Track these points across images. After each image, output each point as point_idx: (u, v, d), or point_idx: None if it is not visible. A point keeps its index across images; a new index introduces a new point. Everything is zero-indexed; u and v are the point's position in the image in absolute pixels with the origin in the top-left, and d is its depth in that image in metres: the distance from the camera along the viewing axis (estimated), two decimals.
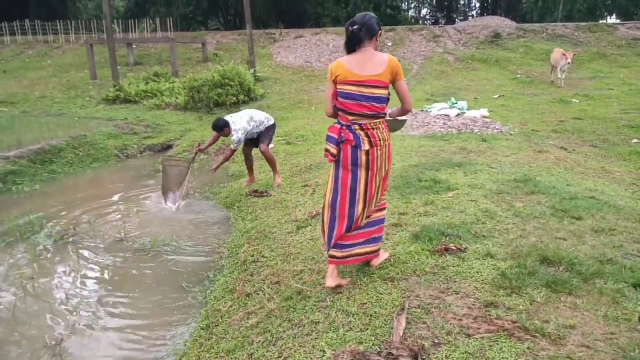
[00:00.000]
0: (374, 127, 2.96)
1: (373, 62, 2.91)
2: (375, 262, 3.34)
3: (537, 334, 2.44)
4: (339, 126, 3.01)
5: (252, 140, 6.75)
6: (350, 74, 2.92)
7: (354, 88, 2.91)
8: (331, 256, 3.13)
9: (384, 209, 3.23)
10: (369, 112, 2.93)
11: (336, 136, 2.98)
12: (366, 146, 2.94)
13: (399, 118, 3.27)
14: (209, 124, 12.17)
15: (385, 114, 3.03)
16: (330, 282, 3.15)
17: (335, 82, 3.00)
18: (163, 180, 6.79)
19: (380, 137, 2.98)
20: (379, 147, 2.98)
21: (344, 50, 3.05)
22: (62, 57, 22.53)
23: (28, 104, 15.37)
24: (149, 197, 7.24)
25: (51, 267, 4.93)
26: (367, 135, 2.95)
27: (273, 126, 6.81)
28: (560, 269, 3.13)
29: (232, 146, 6.32)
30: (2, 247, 5.35)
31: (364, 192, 3.03)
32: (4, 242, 5.45)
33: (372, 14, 3.00)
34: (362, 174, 3.00)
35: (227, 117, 6.40)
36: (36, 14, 29.48)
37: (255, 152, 7.02)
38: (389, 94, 2.99)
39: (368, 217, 3.12)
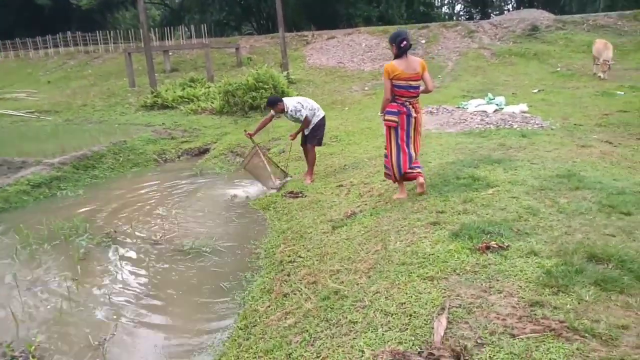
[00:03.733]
0: (415, 102, 4.77)
1: (414, 65, 4.66)
2: (423, 179, 4.92)
3: (586, 335, 2.32)
4: (396, 104, 4.70)
5: (306, 138, 7.05)
6: (403, 74, 4.60)
7: (404, 83, 4.65)
8: (405, 178, 4.94)
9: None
10: (414, 95, 4.74)
11: (396, 110, 4.70)
12: (414, 114, 4.75)
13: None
14: (244, 127, 12.33)
15: (418, 94, 4.81)
16: (404, 194, 4.98)
17: (391, 78, 4.61)
18: (255, 176, 7.29)
19: (419, 109, 4.83)
20: (419, 115, 4.83)
21: (390, 49, 4.79)
22: (102, 66, 23.29)
23: (71, 112, 15.95)
24: (187, 200, 7.36)
25: (94, 268, 5.07)
26: (413, 107, 4.74)
27: (323, 123, 7.08)
28: (610, 267, 2.97)
29: (301, 119, 6.81)
30: (48, 250, 5.54)
31: (414, 140, 4.88)
32: (50, 244, 5.64)
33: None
34: (412, 130, 4.80)
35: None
36: (77, 26, 30.60)
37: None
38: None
39: (416, 154, 4.95)
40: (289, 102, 6.88)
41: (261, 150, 7.30)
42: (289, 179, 7.41)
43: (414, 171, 4.87)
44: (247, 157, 7.16)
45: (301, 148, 7.32)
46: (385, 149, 4.94)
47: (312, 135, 7.00)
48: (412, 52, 19.34)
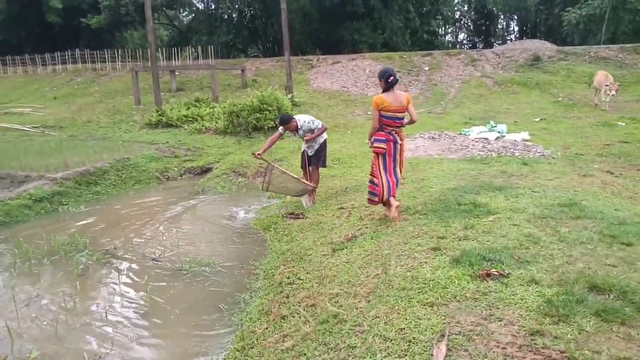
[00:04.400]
0: (400, 131, 5.23)
1: (400, 99, 5.09)
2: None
3: None
4: (383, 133, 5.12)
5: (310, 160, 7.10)
6: (390, 106, 5.03)
7: (391, 114, 5.08)
8: (392, 200, 5.24)
9: None
10: (399, 125, 5.19)
11: (384, 138, 5.11)
12: (399, 141, 5.23)
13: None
14: (247, 148, 12.40)
15: (403, 125, 5.25)
16: (396, 214, 5.18)
17: (379, 109, 5.04)
18: (284, 192, 7.16)
19: (403, 137, 5.31)
20: (403, 142, 5.31)
21: (379, 81, 5.18)
22: (108, 84, 23.55)
23: (76, 128, 16.07)
24: (188, 218, 7.36)
25: (93, 285, 5.05)
26: (398, 135, 5.20)
27: (326, 145, 7.17)
28: (611, 297, 2.96)
29: (316, 131, 6.87)
30: (48, 265, 5.52)
31: (399, 164, 5.32)
32: (49, 259, 5.63)
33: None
34: (397, 156, 5.27)
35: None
36: (86, 43, 31.07)
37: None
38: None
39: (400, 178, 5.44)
40: (302, 117, 6.97)
41: (276, 166, 7.17)
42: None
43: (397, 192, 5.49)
44: (266, 177, 6.88)
45: (301, 170, 7.34)
46: (372, 174, 5.31)
47: (316, 157, 7.05)
48: (416, 78, 19.51)
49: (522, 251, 3.78)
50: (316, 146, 7.03)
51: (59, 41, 30.28)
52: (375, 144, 5.14)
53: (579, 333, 2.59)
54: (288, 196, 7.41)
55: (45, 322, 4.25)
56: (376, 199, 5.28)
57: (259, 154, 6.81)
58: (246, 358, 3.38)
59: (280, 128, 6.94)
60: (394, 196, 5.30)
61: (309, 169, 7.17)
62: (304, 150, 7.09)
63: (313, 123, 6.90)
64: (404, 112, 5.11)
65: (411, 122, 5.28)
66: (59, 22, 30.00)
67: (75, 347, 3.87)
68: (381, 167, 5.21)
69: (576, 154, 8.93)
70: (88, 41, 31.99)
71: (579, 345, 2.48)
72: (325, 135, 7.11)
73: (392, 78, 4.99)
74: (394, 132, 5.13)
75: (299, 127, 6.83)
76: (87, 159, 9.96)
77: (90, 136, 14.61)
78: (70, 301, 4.59)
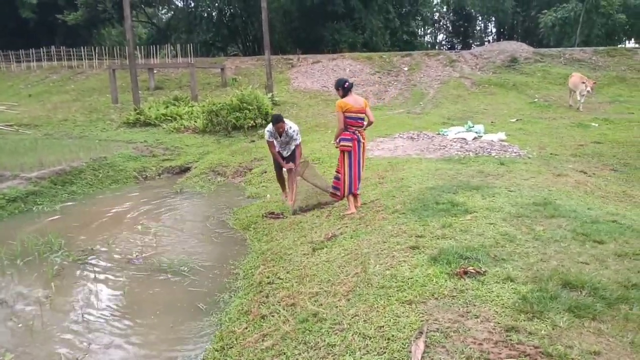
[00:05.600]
0: (362, 132, 5.72)
1: (359, 101, 5.69)
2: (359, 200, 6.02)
3: None
4: (348, 133, 5.60)
5: (286, 159, 7.06)
6: (352, 107, 5.58)
7: (354, 115, 5.61)
8: (354, 194, 5.82)
9: None
10: (360, 125, 5.69)
11: (349, 137, 5.60)
12: (362, 140, 5.70)
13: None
14: (226, 147, 12.34)
15: (364, 125, 5.74)
16: (354, 209, 5.78)
17: (344, 111, 5.55)
18: (313, 184, 6.91)
19: (365, 136, 5.80)
20: (365, 141, 5.79)
21: (337, 91, 5.74)
22: (85, 81, 23.14)
23: (51, 126, 15.75)
24: (167, 218, 7.29)
25: (68, 286, 4.96)
26: (361, 135, 5.68)
27: (299, 146, 7.13)
28: (583, 294, 3.04)
29: (295, 143, 6.96)
30: (21, 266, 5.41)
31: (363, 162, 5.80)
32: (22, 261, 5.51)
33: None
34: (362, 154, 5.74)
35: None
36: (62, 40, 30.42)
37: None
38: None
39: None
40: (291, 124, 6.97)
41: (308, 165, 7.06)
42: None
43: (360, 187, 5.92)
44: (302, 168, 6.90)
45: (275, 172, 7.38)
46: (337, 171, 5.83)
47: (294, 158, 7.05)
48: (395, 79, 19.62)
49: (498, 249, 3.85)
50: (292, 146, 7.04)
51: (33, 38, 29.56)
52: (342, 143, 5.64)
53: (553, 329, 2.66)
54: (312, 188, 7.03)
55: (19, 325, 4.16)
56: (339, 193, 5.85)
57: (288, 167, 6.97)
58: (225, 358, 3.37)
59: (269, 127, 6.88)
60: (356, 191, 5.84)
61: (284, 171, 7.20)
62: (278, 150, 7.07)
63: (297, 134, 6.94)
64: (364, 113, 5.68)
65: (369, 123, 5.80)
66: (34, 18, 29.30)
67: (50, 349, 3.80)
68: (346, 164, 5.68)
69: (551, 154, 9.12)
70: (64, 38, 31.32)
71: (552, 340, 2.54)
72: (300, 138, 7.14)
73: (347, 84, 5.66)
74: (357, 131, 5.64)
75: (285, 130, 6.82)
76: (63, 158, 9.78)
77: (66, 135, 14.34)
78: (46, 303, 4.50)
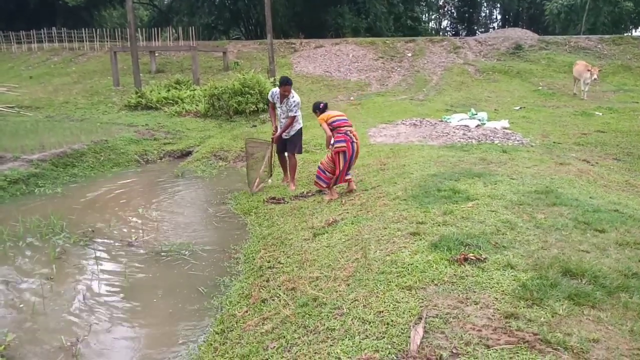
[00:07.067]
0: (354, 131, 6.12)
1: (337, 112, 6.38)
2: (354, 185, 6.35)
3: (559, 347, 2.37)
4: (340, 135, 5.98)
5: (284, 145, 7.12)
6: (332, 115, 6.16)
7: (338, 118, 6.12)
8: (344, 180, 6.21)
9: None
10: (350, 125, 6.12)
11: (342, 139, 5.95)
12: (355, 140, 6.04)
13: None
14: (228, 131, 12.31)
15: (351, 125, 6.19)
16: (336, 195, 6.19)
17: (329, 122, 6.05)
18: (248, 165, 7.33)
19: (357, 136, 6.15)
20: (358, 141, 6.13)
21: (315, 113, 6.50)
22: (86, 64, 23.02)
23: (52, 109, 15.71)
24: (168, 202, 7.30)
25: (70, 268, 4.99)
26: (353, 135, 6.05)
27: (301, 132, 7.17)
28: (583, 282, 3.04)
29: (291, 114, 6.90)
30: (23, 248, 5.43)
31: (355, 158, 6.19)
32: (24, 242, 5.53)
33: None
34: (355, 153, 6.08)
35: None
36: (62, 22, 30.20)
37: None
38: None
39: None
40: (294, 93, 6.97)
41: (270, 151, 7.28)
42: (268, 183, 7.54)
43: (347, 177, 6.25)
44: (258, 147, 7.23)
45: (276, 155, 7.39)
46: (325, 164, 6.19)
47: (292, 144, 7.07)
48: (399, 64, 19.49)
49: (499, 237, 3.84)
50: (292, 132, 7.02)
51: (34, 19, 29.35)
52: (337, 145, 5.96)
53: (552, 316, 2.66)
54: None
55: (21, 305, 4.19)
56: (324, 185, 6.24)
57: (274, 137, 7.07)
58: (226, 341, 3.39)
59: (275, 89, 6.98)
60: (351, 180, 6.30)
61: (285, 155, 7.22)
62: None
63: (296, 106, 6.88)
64: (345, 116, 6.26)
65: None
66: None
67: (52, 330, 3.83)
68: (342, 164, 5.98)
69: (554, 142, 9.09)
70: (65, 19, 31.12)
71: (551, 327, 2.55)
72: (301, 123, 7.13)
73: (322, 105, 6.43)
74: (349, 132, 6.00)
75: (289, 97, 6.83)
76: (64, 140, 9.76)
77: (67, 117, 14.31)
78: (47, 284, 4.53)
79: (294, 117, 6.89)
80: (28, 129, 11.14)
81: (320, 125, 6.19)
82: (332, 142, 6.03)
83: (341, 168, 6.01)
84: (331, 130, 6.05)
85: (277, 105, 6.99)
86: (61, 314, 4.07)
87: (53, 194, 7.61)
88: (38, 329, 3.84)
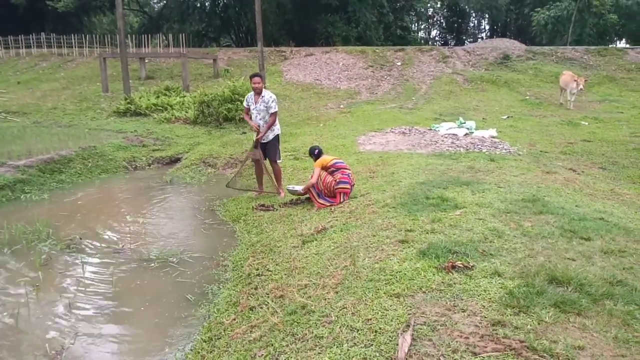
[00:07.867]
0: (352, 174, 6.33)
1: (333, 156, 6.62)
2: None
3: (545, 355, 2.39)
4: (345, 176, 6.17)
5: (264, 151, 7.11)
6: (335, 159, 6.38)
7: (339, 161, 6.33)
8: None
9: None
10: (347, 167, 6.33)
11: (347, 180, 6.16)
12: (354, 182, 6.31)
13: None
14: (217, 138, 12.28)
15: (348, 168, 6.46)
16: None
17: (329, 165, 6.24)
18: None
19: (354, 179, 6.42)
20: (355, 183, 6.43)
21: (311, 157, 6.71)
22: (75, 70, 22.88)
23: (40, 114, 15.56)
24: (156, 209, 7.25)
25: (55, 275, 4.92)
26: (354, 178, 6.35)
27: (279, 137, 7.22)
28: (569, 290, 3.07)
29: (271, 111, 6.93)
30: (8, 254, 5.36)
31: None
32: (10, 249, 5.46)
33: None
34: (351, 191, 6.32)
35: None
36: (52, 28, 30.03)
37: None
38: None
39: None
40: (267, 91, 7.01)
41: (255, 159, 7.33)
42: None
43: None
44: (250, 154, 7.35)
45: (253, 164, 7.44)
46: (317, 188, 6.28)
47: (272, 150, 7.08)
48: (388, 73, 19.56)
49: (486, 244, 3.87)
50: (271, 135, 7.04)
51: (23, 24, 29.15)
52: (341, 186, 6.11)
53: (538, 323, 2.68)
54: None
55: (5, 313, 4.13)
56: (328, 204, 6.13)
57: (257, 139, 7.04)
58: (213, 349, 3.37)
59: (250, 94, 7.02)
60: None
61: (266, 160, 7.21)
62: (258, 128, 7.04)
63: (273, 102, 6.91)
64: (339, 159, 6.49)
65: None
66: (23, 4, 28.90)
67: (36, 338, 3.77)
68: (341, 198, 6.12)
69: (541, 151, 9.19)
70: (54, 25, 30.95)
71: (537, 335, 2.57)
72: (280, 128, 7.20)
73: (317, 150, 6.55)
74: (350, 175, 6.22)
75: (263, 95, 6.87)
76: (52, 146, 9.67)
77: (55, 123, 14.17)
78: (32, 292, 4.47)
79: (275, 112, 6.92)
80: (15, 135, 11.02)
81: (313, 170, 6.32)
82: (336, 179, 6.11)
83: (340, 201, 6.11)
84: (333, 171, 6.18)
85: (252, 107, 7.00)
86: (46, 322, 4.02)
87: (39, 200, 7.53)
88: (22, 337, 3.79)
